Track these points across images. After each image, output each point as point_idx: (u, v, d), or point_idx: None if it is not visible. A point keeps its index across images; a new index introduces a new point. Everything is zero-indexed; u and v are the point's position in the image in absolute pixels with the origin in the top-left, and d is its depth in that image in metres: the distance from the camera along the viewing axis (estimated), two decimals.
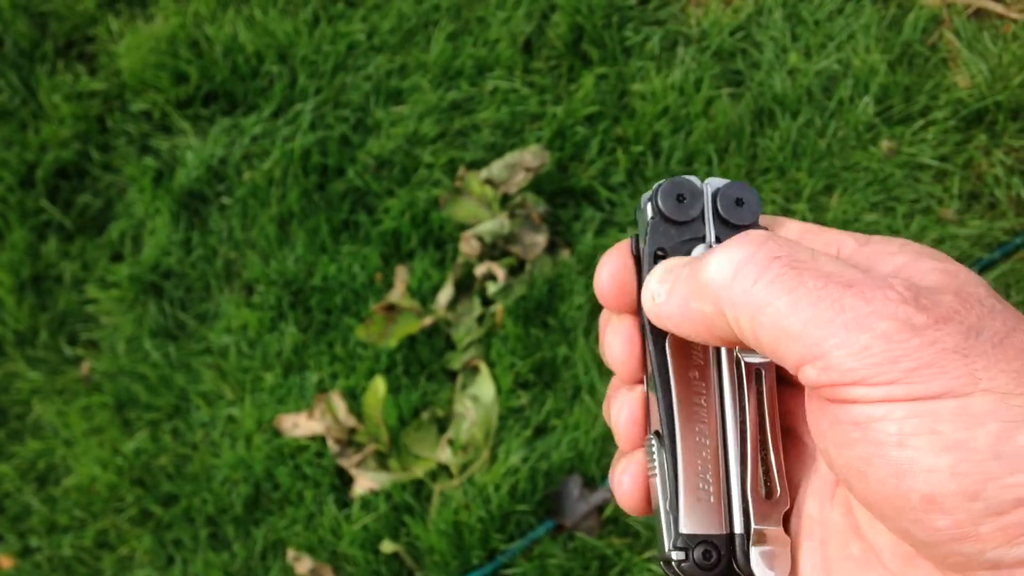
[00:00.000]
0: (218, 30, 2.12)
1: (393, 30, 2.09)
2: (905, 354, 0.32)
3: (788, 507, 0.42)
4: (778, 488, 0.42)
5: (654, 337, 0.44)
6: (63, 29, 2.23)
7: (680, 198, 0.44)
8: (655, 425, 0.44)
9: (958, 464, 0.32)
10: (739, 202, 0.45)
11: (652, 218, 0.45)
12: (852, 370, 0.33)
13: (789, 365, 0.36)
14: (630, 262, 0.46)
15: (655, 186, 0.45)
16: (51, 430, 1.92)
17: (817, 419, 0.37)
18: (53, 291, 2.03)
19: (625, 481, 0.45)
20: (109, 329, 1.98)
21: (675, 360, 0.44)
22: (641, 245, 0.45)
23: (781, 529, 0.42)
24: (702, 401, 0.44)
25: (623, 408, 0.46)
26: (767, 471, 0.43)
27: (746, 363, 0.44)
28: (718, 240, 0.44)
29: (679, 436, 0.43)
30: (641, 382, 0.47)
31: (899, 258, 0.39)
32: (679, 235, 0.45)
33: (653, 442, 0.44)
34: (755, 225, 0.44)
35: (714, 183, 0.46)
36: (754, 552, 0.41)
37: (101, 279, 2.02)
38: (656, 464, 0.43)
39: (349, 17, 2.13)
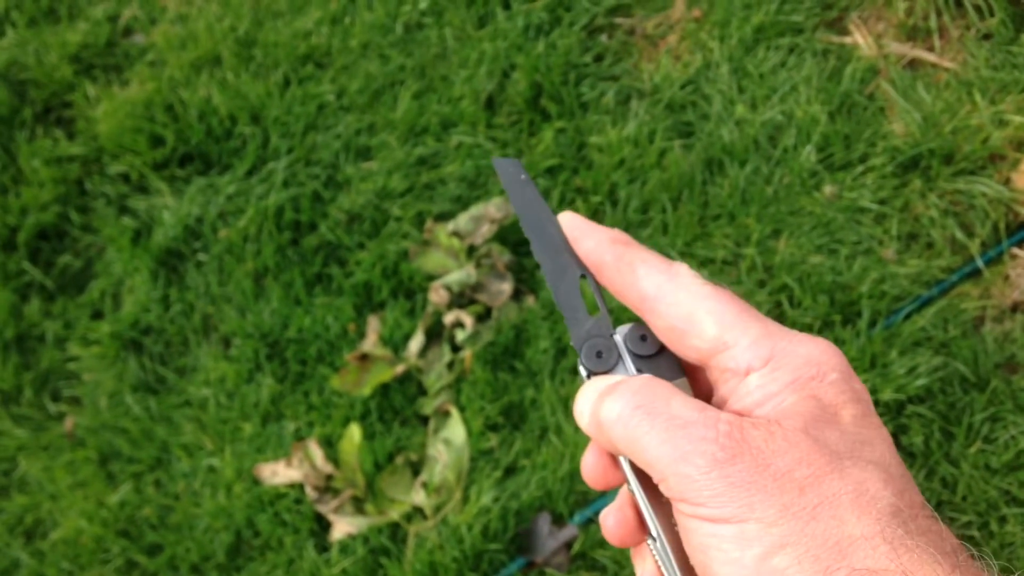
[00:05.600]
0: (192, 94, 2.21)
1: (361, 90, 2.18)
2: (707, 485, 0.46)
3: None
4: None
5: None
6: (41, 96, 2.31)
7: (599, 355, 0.56)
8: (647, 526, 0.56)
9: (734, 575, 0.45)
10: (643, 338, 0.56)
11: (587, 376, 0.57)
12: (680, 492, 0.47)
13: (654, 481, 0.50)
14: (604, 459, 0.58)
15: (580, 351, 0.57)
16: (37, 485, 1.97)
17: (677, 515, 0.51)
18: (36, 350, 2.10)
19: (610, 521, 0.58)
20: (91, 385, 2.04)
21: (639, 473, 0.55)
22: None
23: None
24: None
25: (608, 516, 0.59)
26: None
27: None
28: (638, 371, 0.56)
29: (664, 536, 0.54)
30: (607, 490, 0.59)
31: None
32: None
33: (649, 544, 0.56)
34: (662, 349, 0.56)
35: (622, 330, 0.57)
36: None
37: (83, 337, 2.08)
38: (657, 557, 0.55)
39: (318, 79, 2.22)
